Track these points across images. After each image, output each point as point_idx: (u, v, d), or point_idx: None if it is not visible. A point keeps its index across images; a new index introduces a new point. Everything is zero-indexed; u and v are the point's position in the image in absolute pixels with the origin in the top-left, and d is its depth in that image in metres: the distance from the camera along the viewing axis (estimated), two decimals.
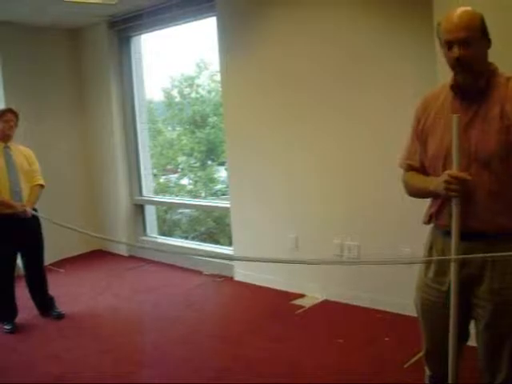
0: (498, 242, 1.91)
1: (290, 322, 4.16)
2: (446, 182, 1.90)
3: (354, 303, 4.32)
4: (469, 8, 1.90)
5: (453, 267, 1.95)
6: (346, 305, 4.35)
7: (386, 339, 3.68)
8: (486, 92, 1.92)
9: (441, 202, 2.03)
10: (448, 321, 2.01)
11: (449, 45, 1.89)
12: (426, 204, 2.17)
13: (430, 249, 2.14)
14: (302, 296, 4.63)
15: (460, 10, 1.90)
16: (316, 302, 4.50)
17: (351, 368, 3.31)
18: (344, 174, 4.33)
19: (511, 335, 1.94)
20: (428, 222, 2.14)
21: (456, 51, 1.87)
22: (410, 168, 2.19)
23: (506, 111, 1.87)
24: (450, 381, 2.05)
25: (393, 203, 3.93)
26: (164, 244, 6.28)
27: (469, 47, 1.86)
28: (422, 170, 2.12)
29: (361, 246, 4.28)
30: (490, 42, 1.93)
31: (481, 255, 1.91)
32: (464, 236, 1.95)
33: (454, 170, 1.90)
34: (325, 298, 4.53)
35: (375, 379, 3.14)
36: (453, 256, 1.94)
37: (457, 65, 1.90)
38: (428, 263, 2.13)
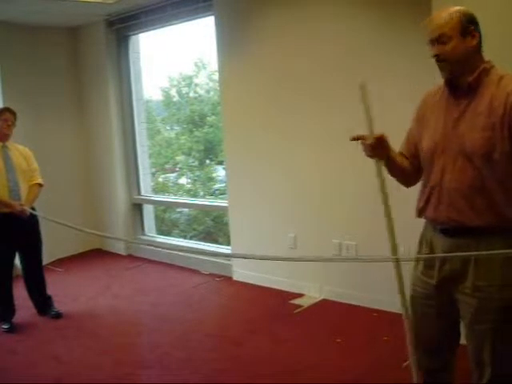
0: (482, 238, 1.93)
1: (289, 321, 4.16)
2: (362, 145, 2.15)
3: (353, 302, 4.32)
4: (454, 7, 1.97)
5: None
6: (345, 304, 4.35)
7: (385, 338, 3.68)
8: (476, 89, 1.95)
9: (427, 196, 2.09)
10: (434, 313, 2.07)
11: (430, 43, 2.00)
12: None
13: (421, 242, 2.20)
14: (300, 295, 4.63)
15: (442, 10, 1.99)
16: (314, 301, 4.50)
17: (350, 367, 3.32)
18: (342, 173, 4.32)
19: (494, 331, 1.95)
20: (418, 215, 2.19)
21: (433, 49, 1.98)
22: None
23: (493, 107, 1.89)
24: (414, 380, 2.10)
25: (391, 203, 3.92)
26: (162, 243, 6.28)
27: (444, 44, 1.95)
28: (411, 159, 2.23)
29: (359, 246, 4.28)
30: (475, 39, 1.95)
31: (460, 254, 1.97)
32: (448, 232, 2.01)
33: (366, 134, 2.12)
34: (323, 297, 4.54)
35: (374, 378, 3.15)
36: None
37: (436, 61, 1.99)
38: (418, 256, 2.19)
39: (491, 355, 1.96)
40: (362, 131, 2.22)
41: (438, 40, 1.96)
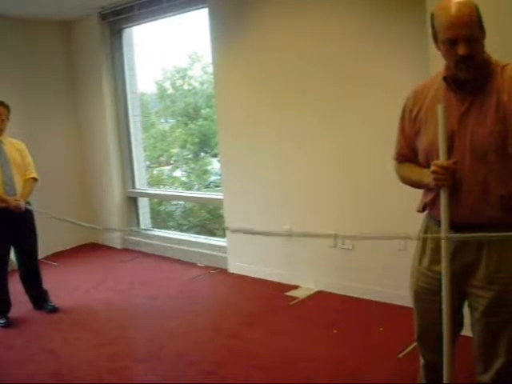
0: (494, 232, 1.88)
1: (285, 313, 4.17)
2: (434, 172, 1.89)
3: (348, 294, 4.34)
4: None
5: (443, 263, 1.95)
6: (340, 295, 4.37)
7: (380, 329, 3.70)
8: (481, 82, 1.88)
9: (434, 194, 2.01)
10: (439, 309, 2.01)
11: (451, 42, 1.83)
12: (419, 193, 2.18)
13: (425, 234, 2.13)
14: (295, 287, 4.64)
15: (456, 1, 1.82)
16: (310, 293, 4.51)
17: (346, 358, 3.33)
18: (337, 165, 4.33)
19: (510, 323, 1.94)
20: (422, 210, 2.14)
21: (461, 48, 1.80)
22: (402, 159, 2.19)
23: (501, 101, 1.84)
24: (445, 380, 2.05)
25: (386, 194, 3.95)
26: (157, 236, 6.27)
27: (473, 43, 1.81)
28: (415, 159, 2.11)
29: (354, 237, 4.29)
30: (484, 31, 1.87)
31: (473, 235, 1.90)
32: (458, 228, 1.95)
33: (441, 160, 1.89)
34: (318, 288, 4.55)
35: (370, 369, 3.16)
36: (443, 255, 1.94)
37: (461, 61, 1.83)
38: (423, 251, 2.12)
39: (507, 346, 1.95)
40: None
41: (467, 39, 1.79)
